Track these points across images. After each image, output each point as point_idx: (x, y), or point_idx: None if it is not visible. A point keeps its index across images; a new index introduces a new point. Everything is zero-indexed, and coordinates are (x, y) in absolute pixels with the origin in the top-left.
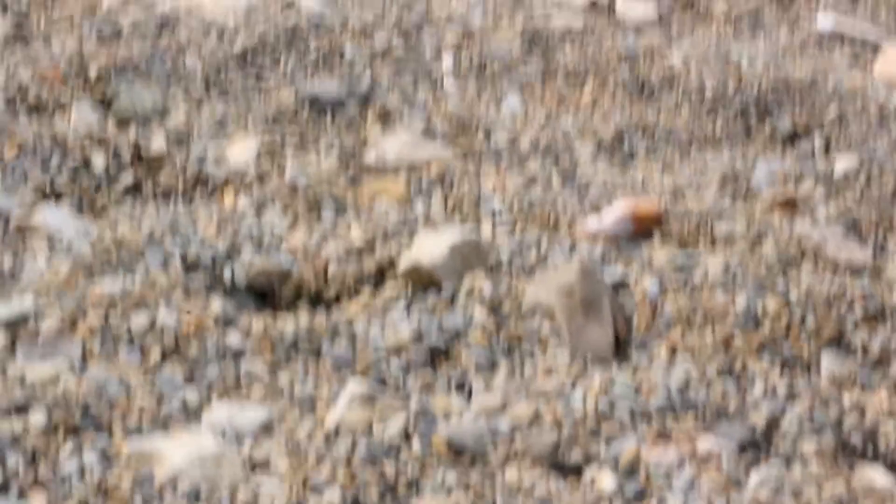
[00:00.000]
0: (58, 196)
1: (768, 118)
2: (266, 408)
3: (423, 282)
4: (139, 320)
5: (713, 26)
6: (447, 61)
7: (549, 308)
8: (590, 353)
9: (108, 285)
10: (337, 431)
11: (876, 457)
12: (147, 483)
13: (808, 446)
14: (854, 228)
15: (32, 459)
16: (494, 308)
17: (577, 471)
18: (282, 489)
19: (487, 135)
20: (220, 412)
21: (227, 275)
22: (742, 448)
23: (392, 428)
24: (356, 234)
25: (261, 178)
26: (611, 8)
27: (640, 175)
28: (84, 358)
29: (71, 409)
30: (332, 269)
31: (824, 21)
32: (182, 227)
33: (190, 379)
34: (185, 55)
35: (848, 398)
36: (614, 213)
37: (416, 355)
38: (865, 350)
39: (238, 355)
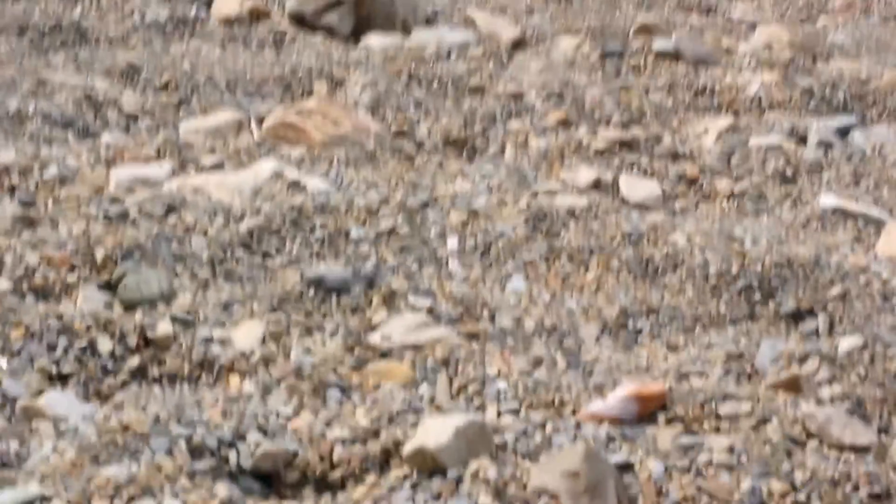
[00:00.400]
0: (64, 379)
1: (772, 297)
2: None
3: (428, 466)
4: None
5: (716, 204)
6: (452, 242)
7: (554, 492)
8: None
9: (114, 471)
10: None
11: None
12: None
13: None
14: (858, 408)
15: None
16: (499, 492)
17: None
18: None
19: (492, 316)
20: None
21: (232, 459)
22: None
23: None
24: (361, 418)
25: (266, 361)
26: (615, 186)
27: (645, 356)
28: None
29: None
30: (337, 452)
31: (826, 199)
32: (187, 411)
33: None
34: (192, 237)
35: None
36: (619, 395)
37: None
38: None
39: None
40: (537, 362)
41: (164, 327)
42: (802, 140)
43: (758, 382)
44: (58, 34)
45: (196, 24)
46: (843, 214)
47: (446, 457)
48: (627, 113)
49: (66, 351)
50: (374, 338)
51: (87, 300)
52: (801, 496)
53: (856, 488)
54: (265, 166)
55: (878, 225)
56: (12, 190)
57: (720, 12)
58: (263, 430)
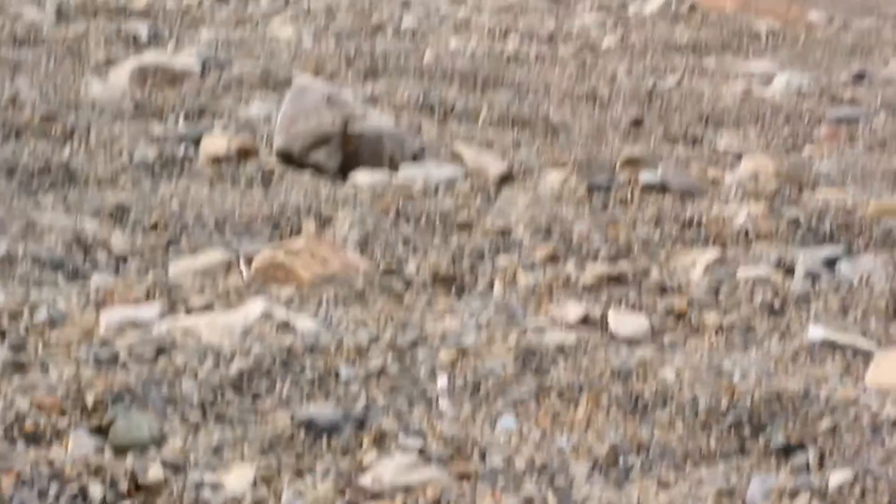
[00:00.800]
0: None
1: (762, 432)
2: None
3: None
4: None
5: (705, 338)
6: (442, 381)
7: None
8: None
9: None
10: None
11: None
12: None
13: None
14: None
15: None
16: None
17: None
18: None
19: (483, 455)
20: None
21: None
22: None
23: None
24: None
25: None
26: (603, 322)
27: (636, 494)
28: None
29: None
30: None
31: (815, 331)
32: None
33: None
34: (182, 380)
35: None
36: None
37: None
38: None
39: None
40: (528, 502)
41: (155, 472)
42: (790, 271)
43: None
44: (47, 175)
45: (184, 164)
46: (831, 346)
47: None
48: (615, 247)
49: (57, 497)
50: (366, 479)
51: (78, 445)
52: None
53: None
54: (254, 307)
55: (867, 356)
56: (2, 334)
57: (706, 143)
58: None
